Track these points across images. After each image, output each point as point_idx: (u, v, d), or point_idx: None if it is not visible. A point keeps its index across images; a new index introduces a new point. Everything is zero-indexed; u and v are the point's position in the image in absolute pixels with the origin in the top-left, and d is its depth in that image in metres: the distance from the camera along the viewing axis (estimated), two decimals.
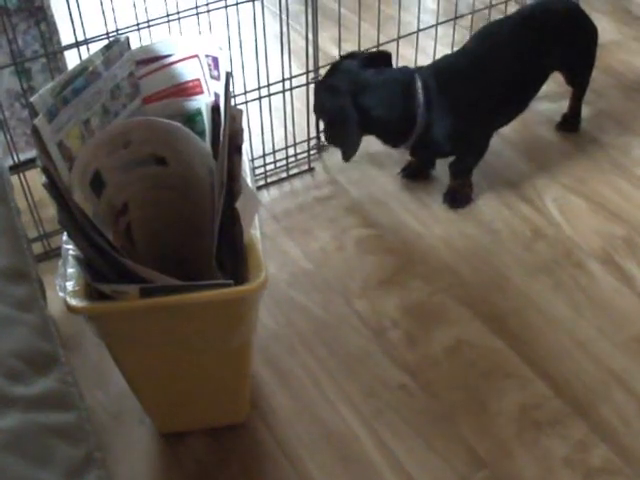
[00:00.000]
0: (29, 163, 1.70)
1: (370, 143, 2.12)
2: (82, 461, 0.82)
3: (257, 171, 2.01)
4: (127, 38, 1.28)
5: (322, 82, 1.85)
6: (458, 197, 1.93)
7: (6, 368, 0.85)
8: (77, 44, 1.67)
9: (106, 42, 1.26)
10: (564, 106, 2.16)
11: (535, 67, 1.96)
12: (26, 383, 0.86)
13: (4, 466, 0.76)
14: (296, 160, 2.08)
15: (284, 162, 2.05)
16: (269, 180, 2.03)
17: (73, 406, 0.88)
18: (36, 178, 1.63)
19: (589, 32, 2.07)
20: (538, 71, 1.99)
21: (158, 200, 1.28)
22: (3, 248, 1.03)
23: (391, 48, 2.09)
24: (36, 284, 1.04)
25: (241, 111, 1.24)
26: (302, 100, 2.01)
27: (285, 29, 1.94)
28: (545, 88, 2.23)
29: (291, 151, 2.06)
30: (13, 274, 1.00)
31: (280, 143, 2.05)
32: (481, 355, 1.58)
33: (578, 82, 2.13)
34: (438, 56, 2.09)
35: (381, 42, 2.08)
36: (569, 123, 2.17)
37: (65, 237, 1.25)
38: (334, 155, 2.11)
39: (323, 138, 2.04)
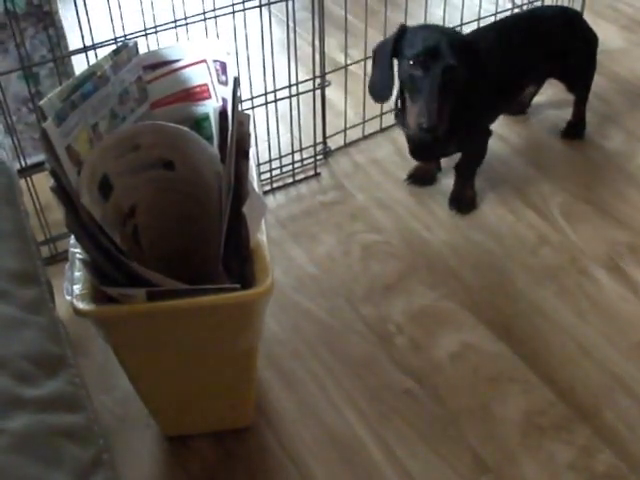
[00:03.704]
0: (36, 167, 1.71)
1: (374, 148, 2.13)
2: (91, 462, 0.82)
3: (263, 176, 2.01)
4: (135, 43, 1.28)
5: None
6: (463, 202, 1.94)
7: (15, 370, 0.86)
8: (85, 49, 1.68)
9: (113, 47, 1.27)
10: (569, 113, 2.17)
11: (529, 69, 1.99)
12: (35, 385, 0.86)
13: (13, 467, 0.76)
14: (302, 165, 2.08)
15: (290, 167, 2.06)
16: (275, 185, 2.04)
17: (82, 407, 0.88)
18: (43, 182, 1.64)
19: (587, 39, 2.08)
20: (531, 72, 2.01)
21: (165, 204, 1.28)
22: (12, 251, 1.04)
23: None
24: (45, 286, 1.04)
25: (248, 116, 1.24)
26: (308, 106, 2.02)
27: (292, 35, 1.95)
28: (550, 95, 2.24)
29: (297, 156, 2.07)
30: (22, 276, 1.01)
31: (286, 148, 2.05)
32: (486, 360, 1.58)
33: (578, 89, 2.14)
34: None
35: None
36: (573, 130, 2.17)
37: (72, 240, 1.25)
38: (340, 160, 2.12)
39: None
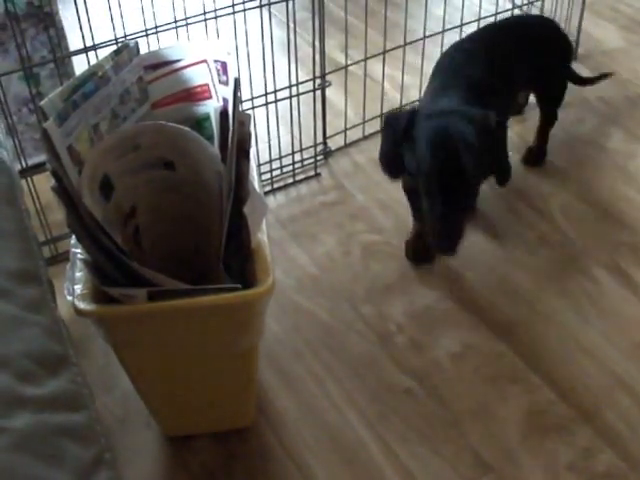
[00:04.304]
0: (36, 168, 1.71)
1: (374, 148, 2.13)
2: (92, 462, 0.82)
3: (263, 176, 2.01)
4: (136, 43, 1.28)
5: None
6: None
7: (17, 369, 0.86)
8: (85, 49, 1.68)
9: (114, 48, 1.27)
10: (570, 113, 2.17)
11: (508, 80, 1.87)
12: (37, 384, 0.86)
13: (15, 466, 0.76)
14: (302, 165, 2.08)
15: (290, 167, 2.06)
16: (275, 185, 2.04)
17: (83, 407, 0.88)
18: (43, 182, 1.64)
19: (560, 49, 2.02)
20: (511, 84, 1.90)
21: (166, 204, 1.28)
22: (14, 250, 1.04)
23: (397, 55, 2.10)
24: (46, 286, 1.04)
25: (249, 116, 1.24)
26: (309, 106, 2.02)
27: (292, 36, 1.95)
28: None
29: (297, 157, 2.07)
30: (24, 276, 1.01)
31: (286, 149, 2.05)
32: (486, 360, 1.58)
33: (550, 105, 2.05)
34: None
35: (387, 49, 2.09)
36: (534, 156, 2.08)
37: (73, 240, 1.26)
38: (340, 160, 2.12)
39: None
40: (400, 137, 1.58)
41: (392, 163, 1.67)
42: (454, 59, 1.83)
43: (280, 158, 2.05)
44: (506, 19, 2.08)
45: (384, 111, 2.16)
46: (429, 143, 1.52)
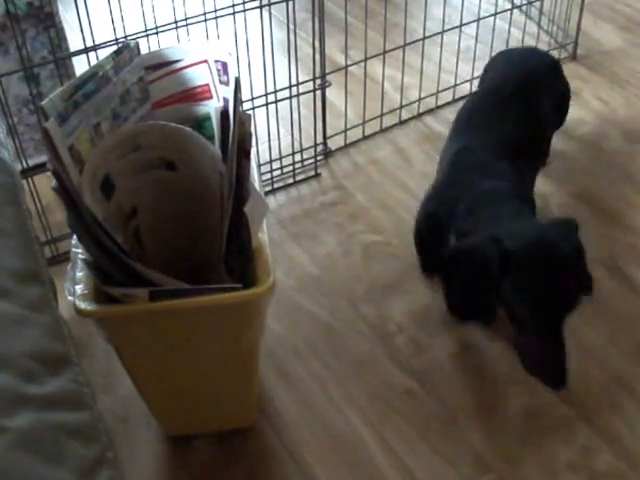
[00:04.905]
0: (37, 168, 1.71)
1: (374, 148, 2.14)
2: (95, 460, 0.82)
3: (264, 177, 2.01)
4: (137, 43, 1.29)
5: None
6: None
7: (19, 368, 0.86)
8: (86, 50, 1.68)
9: (114, 48, 1.27)
10: (570, 113, 2.16)
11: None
12: (39, 383, 0.86)
13: (17, 465, 0.77)
14: (302, 166, 2.09)
15: (291, 168, 2.06)
16: (276, 186, 2.04)
17: (86, 406, 0.88)
18: (44, 183, 1.65)
19: (562, 76, 2.01)
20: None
21: (167, 204, 1.28)
22: (15, 249, 1.04)
23: (397, 55, 2.11)
24: (48, 285, 1.04)
25: (250, 116, 1.24)
26: (309, 106, 2.02)
27: (292, 36, 1.95)
28: None
29: (297, 157, 2.07)
30: (25, 275, 1.01)
31: (287, 149, 2.06)
32: (486, 360, 1.59)
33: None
34: (443, 63, 2.11)
35: (387, 49, 2.09)
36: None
37: (74, 241, 1.26)
38: (340, 161, 2.12)
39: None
40: (493, 279, 1.40)
41: (479, 303, 1.52)
42: (482, 115, 1.80)
43: (280, 158, 2.05)
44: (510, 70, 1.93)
45: (384, 112, 2.17)
46: (537, 270, 1.39)
